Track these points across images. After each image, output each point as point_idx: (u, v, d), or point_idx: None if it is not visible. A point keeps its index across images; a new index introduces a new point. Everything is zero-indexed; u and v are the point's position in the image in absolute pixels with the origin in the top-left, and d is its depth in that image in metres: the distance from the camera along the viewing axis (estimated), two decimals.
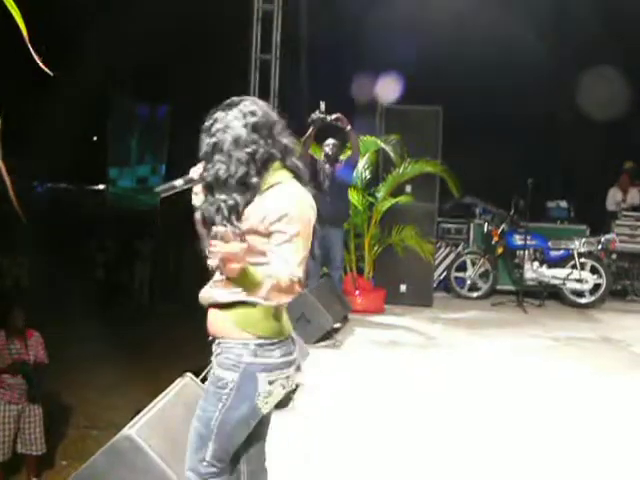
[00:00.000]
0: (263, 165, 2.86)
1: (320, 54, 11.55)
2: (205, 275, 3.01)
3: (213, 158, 2.87)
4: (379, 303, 9.87)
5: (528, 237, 10.63)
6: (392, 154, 9.80)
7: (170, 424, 4.20)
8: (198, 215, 2.98)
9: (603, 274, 10.73)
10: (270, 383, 2.89)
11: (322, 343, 7.79)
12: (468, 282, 11.19)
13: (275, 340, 2.92)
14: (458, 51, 12.55)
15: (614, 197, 12.41)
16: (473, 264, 11.20)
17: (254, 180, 2.84)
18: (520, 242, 10.73)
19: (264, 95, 10.46)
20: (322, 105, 8.15)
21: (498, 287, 11.29)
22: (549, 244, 10.93)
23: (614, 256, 11.53)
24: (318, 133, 8.33)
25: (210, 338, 3.02)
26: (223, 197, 2.83)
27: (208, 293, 3.01)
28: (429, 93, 10.82)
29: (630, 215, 11.83)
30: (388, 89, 10.69)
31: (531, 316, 10.08)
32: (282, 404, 5.65)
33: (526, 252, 10.77)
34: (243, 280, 2.65)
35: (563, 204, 12.30)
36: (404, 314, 9.75)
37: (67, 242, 17.75)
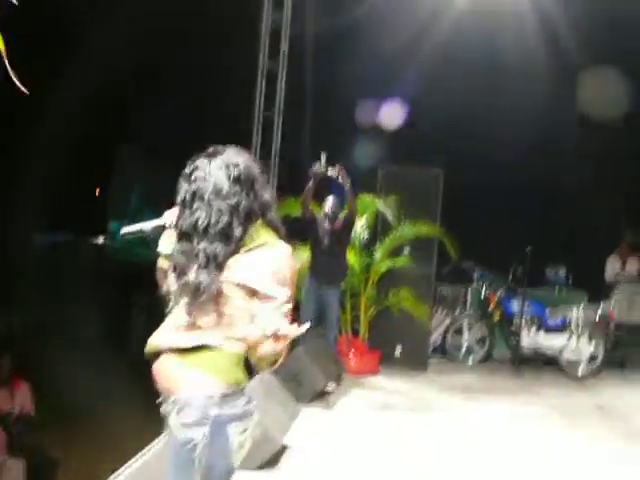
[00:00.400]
0: (246, 218, 2.80)
1: (324, 110, 11.58)
2: None
3: (192, 206, 2.80)
4: (373, 365, 9.75)
5: (526, 304, 10.55)
6: (389, 214, 9.78)
7: (155, 477, 4.11)
8: (162, 262, 2.93)
9: (600, 344, 10.61)
10: (241, 434, 2.75)
11: (315, 403, 7.68)
12: (464, 347, 11.06)
13: (238, 388, 2.78)
14: (462, 117, 12.63)
15: (613, 266, 12.36)
16: (470, 329, 11.08)
17: (237, 231, 2.78)
18: (517, 309, 10.64)
19: (266, 151, 10.53)
20: (323, 157, 8.16)
21: (495, 354, 11.15)
22: (547, 312, 10.84)
23: (612, 326, 11.42)
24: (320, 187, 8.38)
25: (160, 398, 2.84)
26: (202, 246, 2.77)
27: (164, 338, 2.84)
28: (430, 156, 10.87)
29: (628, 284, 11.77)
30: (392, 116, 10.73)
31: (527, 384, 9.94)
32: (270, 463, 5.59)
33: (523, 319, 10.68)
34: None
35: (562, 270, 12.26)
36: (398, 377, 9.61)
37: (65, 292, 17.66)
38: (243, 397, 2.78)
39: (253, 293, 2.75)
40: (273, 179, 10.54)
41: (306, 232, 8.93)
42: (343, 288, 9.33)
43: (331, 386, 8.30)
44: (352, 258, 9.57)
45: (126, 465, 4.08)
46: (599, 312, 10.77)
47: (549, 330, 10.79)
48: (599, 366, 10.60)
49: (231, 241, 2.77)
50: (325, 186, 8.70)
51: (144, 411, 4.34)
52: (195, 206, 2.79)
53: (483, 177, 13.12)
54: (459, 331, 11.15)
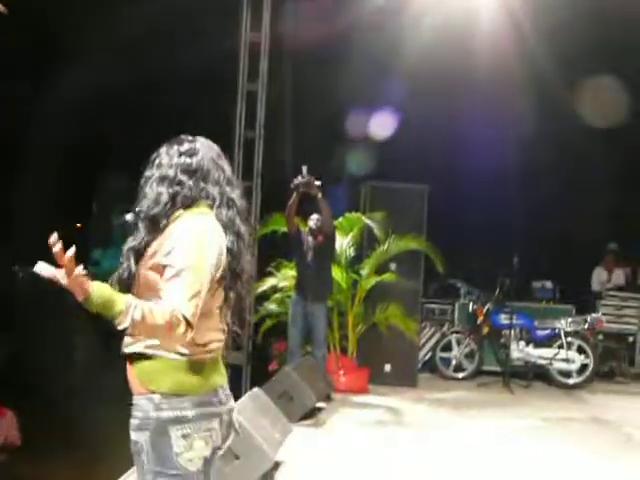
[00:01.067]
0: (184, 208, 2.75)
1: (305, 127, 11.56)
2: None
3: (142, 191, 2.79)
4: (363, 383, 9.66)
5: (514, 316, 10.50)
6: (377, 231, 9.73)
7: None
8: None
9: (590, 354, 10.59)
10: (185, 437, 2.66)
11: (305, 422, 7.59)
12: (453, 362, 10.99)
13: (180, 393, 2.68)
14: (447, 133, 12.66)
15: (599, 277, 12.38)
16: (458, 344, 11.02)
17: (163, 222, 2.73)
18: (506, 321, 10.59)
19: (248, 173, 10.45)
20: (304, 169, 8.16)
21: (484, 368, 11.08)
22: (535, 323, 10.82)
23: (600, 336, 11.41)
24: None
25: None
26: (132, 236, 2.75)
27: (123, 342, 2.78)
28: (416, 172, 10.86)
29: (615, 295, 11.79)
30: (381, 125, 10.71)
31: (518, 397, 9.89)
32: None
33: (512, 332, 10.63)
34: (98, 305, 2.40)
35: (548, 284, 12.27)
36: (388, 394, 9.52)
37: (49, 323, 17.47)
38: (188, 401, 2.68)
39: (158, 269, 2.66)
40: (256, 198, 10.47)
41: (291, 248, 8.91)
42: (330, 305, 9.25)
43: (321, 404, 8.22)
44: (338, 275, 9.51)
45: None
46: (588, 322, 10.75)
47: (538, 342, 10.76)
48: (590, 375, 10.58)
49: (156, 229, 2.72)
50: (311, 201, 8.65)
51: None
52: (144, 192, 2.78)
53: (468, 193, 13.14)
54: (448, 346, 11.09)
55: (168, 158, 2.80)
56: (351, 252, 9.88)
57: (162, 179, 2.76)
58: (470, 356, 11.04)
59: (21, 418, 8.50)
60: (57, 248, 2.38)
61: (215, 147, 2.90)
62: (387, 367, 10.11)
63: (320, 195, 8.40)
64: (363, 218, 9.83)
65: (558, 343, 10.63)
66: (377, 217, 9.82)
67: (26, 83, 19.09)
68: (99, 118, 20.45)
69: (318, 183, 8.31)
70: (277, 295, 9.76)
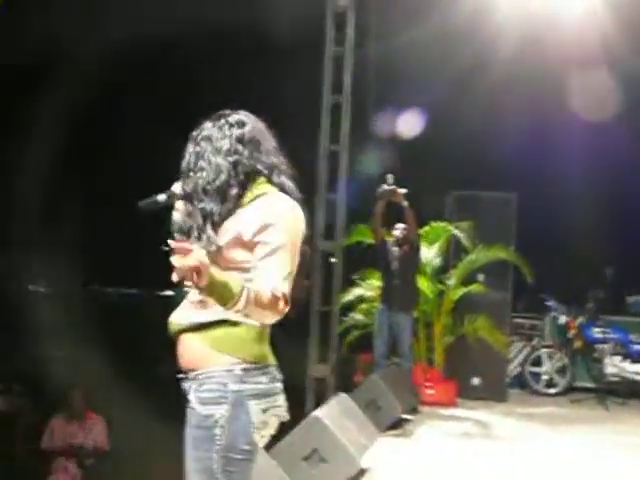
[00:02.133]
0: (245, 177, 2.70)
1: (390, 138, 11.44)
2: None
3: (195, 167, 2.73)
4: (450, 396, 9.43)
5: (608, 330, 10.13)
6: (464, 240, 9.53)
7: None
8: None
9: None
10: (263, 412, 2.63)
11: (391, 432, 7.43)
12: (544, 377, 10.64)
13: (260, 365, 2.66)
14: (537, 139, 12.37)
15: None
16: (549, 359, 10.67)
17: (234, 190, 2.67)
18: (599, 335, 10.23)
19: (333, 184, 10.38)
20: (389, 178, 8.08)
21: (576, 384, 10.70)
22: (631, 338, 10.40)
23: None
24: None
25: (182, 374, 2.73)
26: (200, 206, 2.67)
27: (182, 316, 2.74)
28: (502, 180, 10.64)
29: None
30: (409, 124, 10.52)
31: (613, 414, 9.48)
32: None
33: (606, 346, 10.24)
34: (216, 289, 2.40)
35: None
36: (477, 408, 9.26)
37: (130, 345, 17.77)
38: (267, 374, 2.67)
39: (247, 245, 2.62)
40: (341, 211, 10.39)
41: (377, 258, 8.81)
42: (416, 316, 9.09)
43: (407, 416, 8.05)
44: (425, 285, 9.36)
45: None
46: None
47: (635, 357, 10.33)
48: None
49: (227, 200, 2.66)
50: (397, 211, 8.54)
51: None
52: (198, 166, 2.72)
53: (558, 200, 12.80)
54: (538, 361, 10.75)
55: (218, 130, 2.76)
56: (437, 262, 9.71)
57: (217, 150, 2.72)
58: (562, 371, 10.67)
59: (110, 424, 8.55)
60: (176, 245, 2.38)
61: (259, 120, 2.86)
62: (475, 380, 9.85)
63: (406, 204, 8.30)
64: (449, 227, 9.64)
65: None
66: (464, 226, 9.62)
67: None
68: None
69: (403, 191, 8.21)
70: (363, 305, 9.65)
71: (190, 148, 2.78)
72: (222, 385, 2.62)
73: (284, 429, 5.38)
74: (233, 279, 2.46)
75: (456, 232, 9.65)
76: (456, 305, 9.71)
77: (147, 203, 2.80)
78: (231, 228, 2.64)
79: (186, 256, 2.35)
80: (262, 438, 2.67)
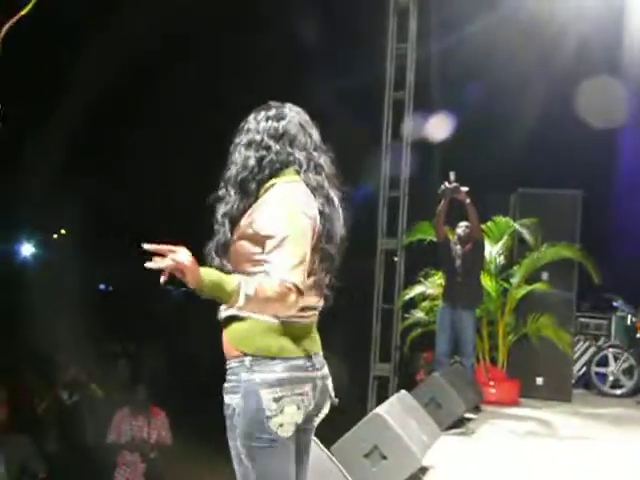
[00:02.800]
0: (273, 171, 2.76)
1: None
2: None
3: (231, 157, 2.82)
4: (513, 395, 9.33)
5: None
6: (528, 237, 9.42)
7: None
8: None
9: None
10: (276, 400, 2.66)
11: (453, 430, 7.38)
12: (610, 378, 10.45)
13: (273, 356, 2.69)
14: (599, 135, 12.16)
15: None
16: (615, 359, 10.48)
17: (252, 186, 2.74)
18: None
19: (395, 185, 10.38)
20: (452, 175, 8.04)
21: None
22: None
23: None
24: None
25: None
26: (224, 198, 2.77)
27: (219, 310, 2.83)
28: (567, 177, 10.48)
29: None
30: (438, 128, 10.42)
31: None
32: None
33: None
34: (208, 289, 2.47)
35: None
36: (540, 407, 9.14)
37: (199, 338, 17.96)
38: (286, 364, 2.69)
39: (256, 238, 2.68)
40: (403, 209, 10.39)
41: (440, 256, 8.78)
42: (479, 314, 9.02)
43: (470, 414, 8.00)
44: (488, 283, 9.27)
45: None
46: None
47: None
48: None
49: (248, 194, 2.75)
50: (460, 209, 8.50)
51: None
52: (233, 158, 2.81)
53: (624, 198, 12.57)
54: (604, 361, 10.57)
55: (255, 123, 2.82)
56: (501, 260, 9.60)
57: (249, 144, 2.79)
58: (629, 372, 10.46)
59: (173, 419, 8.66)
60: (152, 247, 2.46)
61: (303, 113, 2.90)
62: (539, 380, 9.71)
63: (468, 201, 8.25)
64: (513, 224, 9.53)
65: None
66: (528, 223, 9.50)
67: None
68: None
69: (465, 189, 8.17)
70: (425, 303, 9.60)
71: (235, 138, 2.85)
72: (236, 375, 2.71)
73: (345, 427, 5.45)
74: (227, 278, 2.51)
75: (520, 229, 9.54)
76: (519, 304, 9.57)
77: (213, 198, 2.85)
78: (244, 222, 2.71)
79: (165, 258, 2.43)
80: (282, 427, 2.67)
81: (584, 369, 10.89)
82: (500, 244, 9.58)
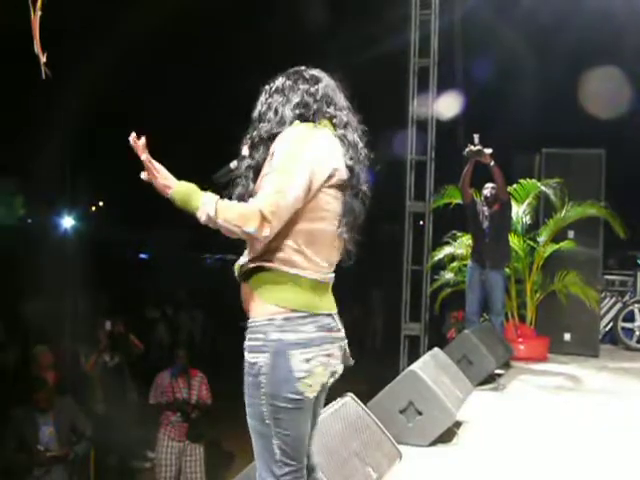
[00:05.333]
0: (295, 116, 2.83)
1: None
2: None
3: (265, 117, 2.86)
4: (542, 351, 9.54)
5: None
6: (553, 197, 9.56)
7: (328, 439, 4.17)
8: None
9: None
10: (307, 361, 2.65)
11: (485, 386, 7.61)
12: (637, 333, 10.63)
13: (306, 313, 2.68)
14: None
15: None
16: None
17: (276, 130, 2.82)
18: None
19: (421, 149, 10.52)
20: (476, 138, 8.14)
21: None
22: None
23: None
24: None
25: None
26: (252, 154, 2.83)
27: (239, 261, 2.82)
28: (593, 136, 10.56)
29: None
30: (447, 106, 10.50)
31: None
32: (445, 438, 5.60)
33: None
34: (179, 198, 2.61)
35: None
36: (569, 363, 9.36)
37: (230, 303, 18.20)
38: (316, 323, 2.69)
39: None
40: (430, 173, 10.54)
41: (467, 219, 8.92)
42: (507, 273, 9.19)
43: (500, 370, 8.21)
44: (515, 243, 9.42)
45: None
46: None
47: None
48: None
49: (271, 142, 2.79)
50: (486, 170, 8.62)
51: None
52: (267, 117, 2.85)
53: None
54: (630, 317, 10.74)
55: (292, 84, 2.88)
56: (527, 220, 9.75)
57: (288, 102, 2.84)
58: None
59: (211, 380, 8.95)
60: (133, 141, 2.63)
61: (331, 78, 2.96)
62: (567, 336, 9.92)
63: (493, 163, 8.38)
64: (539, 185, 9.66)
65: None
66: (553, 183, 9.63)
67: None
68: None
69: (489, 151, 8.29)
70: (454, 264, 9.79)
71: (262, 99, 2.90)
72: (263, 334, 2.66)
73: (380, 385, 5.67)
74: (197, 193, 2.60)
75: (545, 189, 9.67)
76: (547, 262, 9.73)
77: (221, 174, 2.89)
78: (264, 170, 2.75)
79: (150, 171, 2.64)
80: (310, 387, 2.67)
81: (611, 325, 11.09)
82: (526, 204, 9.72)
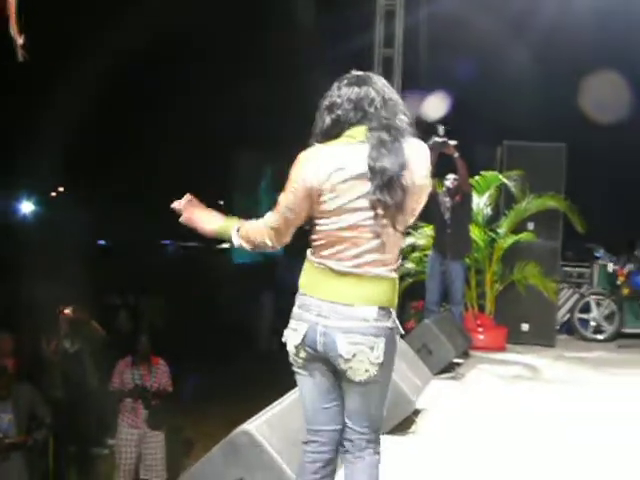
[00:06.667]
0: (341, 130, 3.02)
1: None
2: None
3: (316, 123, 3.12)
4: (500, 341, 9.67)
5: None
6: (514, 189, 9.68)
7: (290, 426, 4.19)
8: None
9: None
10: (293, 331, 3.04)
11: (444, 375, 7.70)
12: (592, 324, 10.83)
13: (302, 293, 3.04)
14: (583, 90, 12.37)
15: None
16: (598, 305, 10.85)
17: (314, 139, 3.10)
18: None
19: None
20: (440, 129, 8.18)
21: (625, 330, 10.85)
22: None
23: None
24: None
25: None
26: None
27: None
28: (553, 129, 10.69)
29: None
30: (434, 106, 10.61)
31: None
32: (403, 427, 5.66)
33: None
34: (217, 234, 3.19)
35: None
36: (526, 352, 9.49)
37: (196, 291, 18.17)
38: (300, 301, 3.04)
39: None
40: None
41: (429, 209, 8.98)
42: (468, 264, 9.30)
43: (459, 360, 8.31)
44: (476, 234, 9.54)
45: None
46: None
47: None
48: None
49: None
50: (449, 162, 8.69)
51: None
52: (315, 121, 3.14)
53: (607, 150, 12.80)
54: (586, 308, 10.94)
55: (336, 89, 3.09)
56: (488, 211, 9.87)
57: (330, 107, 3.05)
58: (610, 318, 10.84)
59: (172, 367, 8.97)
60: (178, 204, 3.26)
61: (382, 79, 3.15)
62: (525, 326, 10.07)
63: (457, 155, 8.45)
64: (500, 177, 9.77)
65: None
66: (514, 175, 9.75)
67: None
68: None
69: (454, 143, 8.35)
70: (415, 254, 9.87)
71: (320, 104, 3.15)
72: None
73: None
74: (226, 226, 3.16)
75: (506, 181, 9.78)
76: (506, 253, 9.86)
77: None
78: None
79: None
80: (294, 357, 3.07)
81: (568, 315, 11.27)
82: (487, 195, 9.82)
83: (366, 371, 2.93)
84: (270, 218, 3.03)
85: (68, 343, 9.60)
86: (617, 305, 10.76)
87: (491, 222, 9.96)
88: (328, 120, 3.03)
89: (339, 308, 2.95)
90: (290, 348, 3.04)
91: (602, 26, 11.26)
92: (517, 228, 9.89)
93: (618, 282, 10.73)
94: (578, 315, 10.93)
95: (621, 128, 12.57)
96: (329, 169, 2.90)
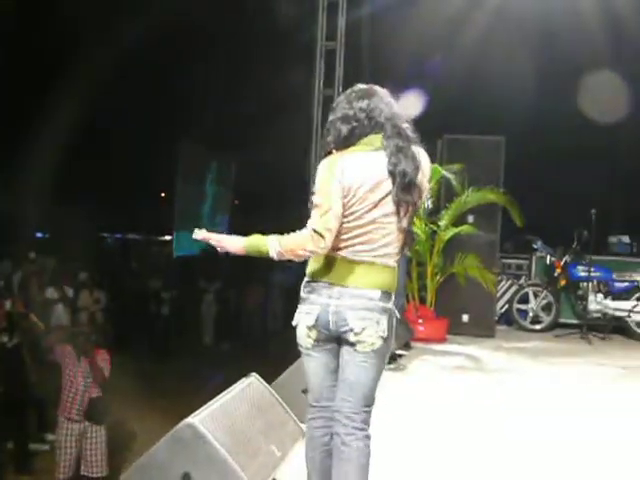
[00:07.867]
0: (358, 139, 3.31)
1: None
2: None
3: (327, 134, 3.39)
4: (441, 332, 9.80)
5: (592, 269, 10.47)
6: (454, 182, 9.79)
7: (233, 419, 4.22)
8: None
9: None
10: (306, 314, 3.36)
11: (386, 366, 7.72)
12: (530, 314, 11.03)
13: (309, 279, 3.37)
14: (522, 83, 12.55)
15: None
16: (535, 296, 11.05)
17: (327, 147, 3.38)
18: (583, 274, 10.58)
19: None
20: None
21: (561, 320, 11.09)
22: (614, 276, 10.75)
23: None
24: None
25: None
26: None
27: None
28: (492, 124, 10.83)
29: None
30: (410, 104, 10.73)
31: (596, 347, 9.91)
32: None
33: (590, 284, 10.61)
34: (251, 253, 3.32)
35: (625, 239, 12.09)
36: (467, 343, 9.65)
37: (135, 283, 17.99)
38: (310, 287, 3.38)
39: None
40: None
41: None
42: (409, 256, 9.37)
43: (401, 351, 8.38)
44: (417, 226, 9.61)
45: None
46: None
47: (617, 294, 10.70)
48: None
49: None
50: None
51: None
52: (327, 132, 3.43)
53: (544, 144, 13.02)
54: (525, 299, 11.13)
55: (346, 101, 3.37)
56: (429, 204, 9.96)
57: (344, 118, 3.32)
58: (547, 308, 11.05)
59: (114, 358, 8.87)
60: (202, 236, 3.44)
61: (384, 90, 3.43)
62: (465, 317, 10.22)
63: None
64: (440, 170, 9.87)
65: (637, 295, 10.57)
66: (454, 169, 9.85)
67: None
68: None
69: None
70: None
71: (330, 117, 3.40)
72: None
73: (284, 366, 5.72)
74: (261, 241, 3.29)
75: (447, 174, 9.88)
76: (447, 245, 9.97)
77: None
78: None
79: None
80: (299, 337, 3.43)
81: (506, 306, 11.47)
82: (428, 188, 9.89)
83: (372, 344, 3.34)
84: (316, 223, 3.19)
85: (6, 337, 9.44)
86: (554, 296, 10.96)
87: (432, 215, 10.06)
88: (345, 130, 3.30)
89: (349, 291, 3.30)
90: (302, 330, 3.38)
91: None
92: (457, 221, 10.00)
93: (555, 274, 10.92)
94: (517, 306, 11.13)
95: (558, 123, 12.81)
96: (355, 172, 3.22)
